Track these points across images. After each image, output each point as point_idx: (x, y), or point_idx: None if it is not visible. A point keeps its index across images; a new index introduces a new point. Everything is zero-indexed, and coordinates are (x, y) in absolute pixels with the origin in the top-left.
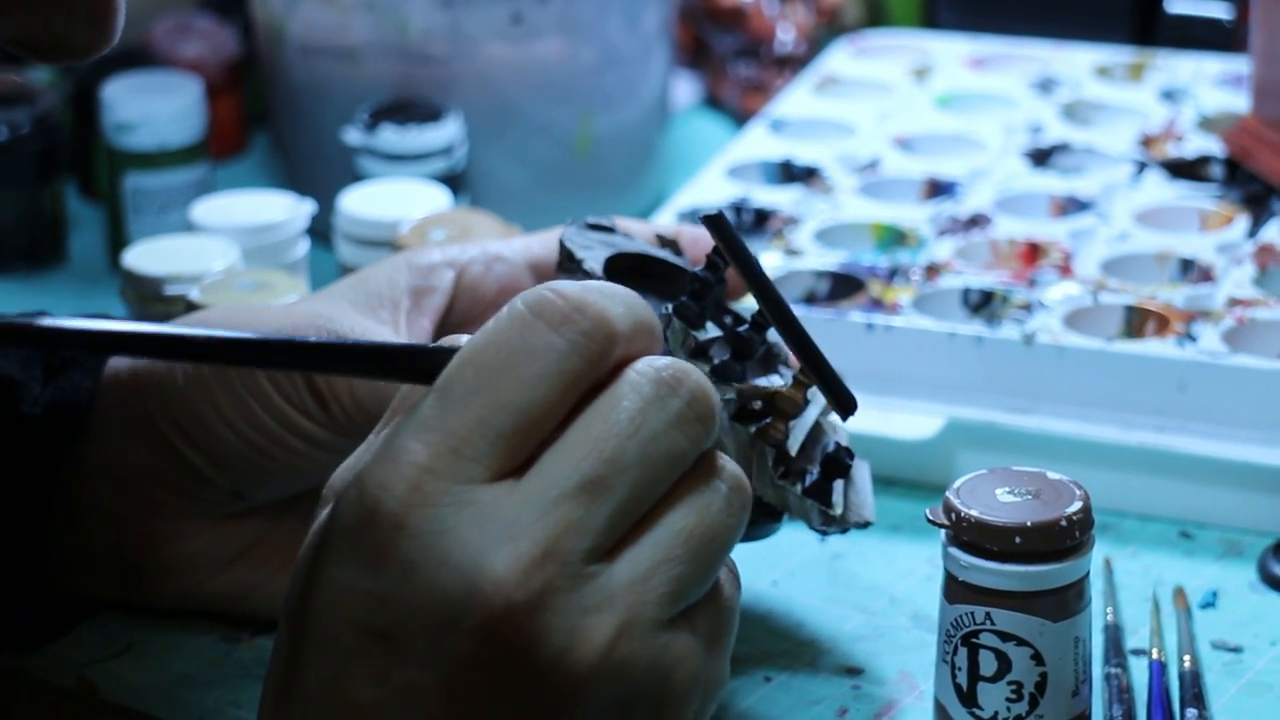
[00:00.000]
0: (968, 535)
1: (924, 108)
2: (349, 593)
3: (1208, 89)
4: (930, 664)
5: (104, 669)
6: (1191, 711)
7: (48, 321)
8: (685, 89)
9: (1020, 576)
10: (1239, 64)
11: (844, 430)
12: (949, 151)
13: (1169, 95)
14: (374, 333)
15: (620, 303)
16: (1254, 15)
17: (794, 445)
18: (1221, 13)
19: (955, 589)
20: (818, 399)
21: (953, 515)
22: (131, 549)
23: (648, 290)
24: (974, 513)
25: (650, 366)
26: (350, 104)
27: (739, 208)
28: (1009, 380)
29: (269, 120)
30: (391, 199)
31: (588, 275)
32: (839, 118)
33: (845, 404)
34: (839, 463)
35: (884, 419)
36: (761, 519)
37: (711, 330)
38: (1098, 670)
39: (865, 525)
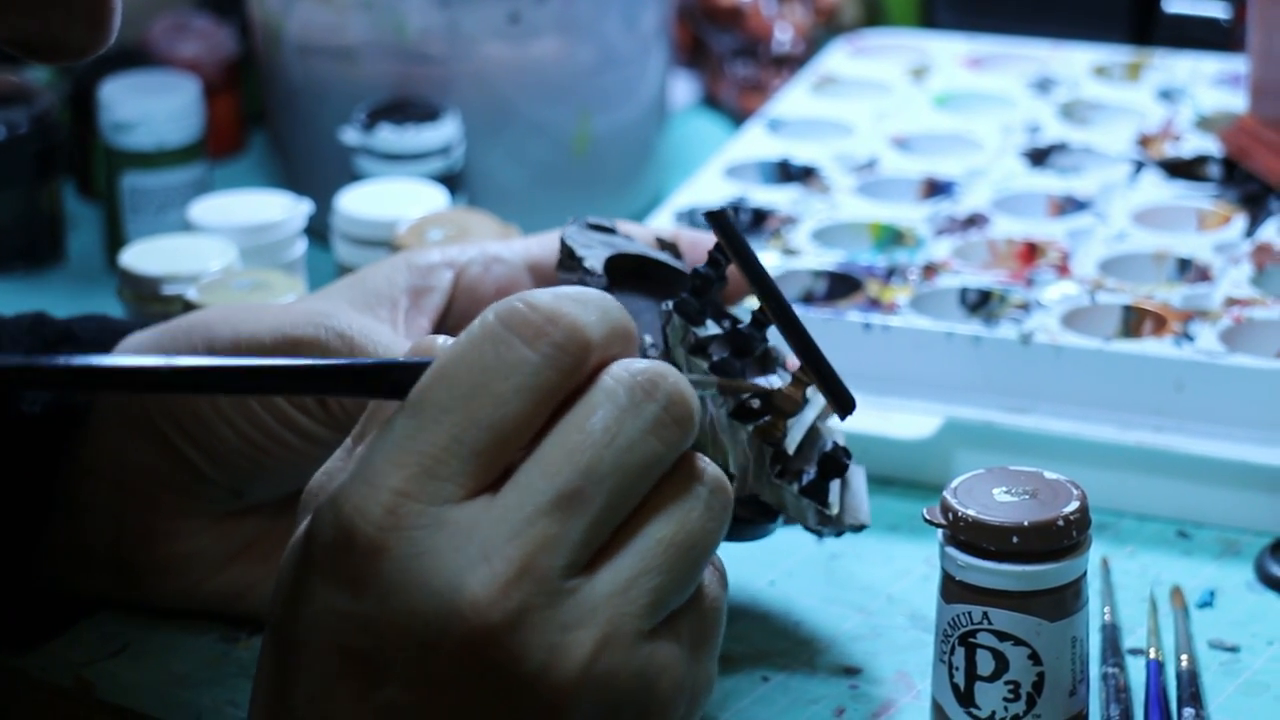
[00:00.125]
0: (965, 535)
1: (922, 107)
2: (330, 613)
3: (1205, 88)
4: (927, 664)
5: (101, 668)
6: (1189, 711)
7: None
8: (683, 89)
9: (1017, 576)
10: (1236, 63)
11: (841, 434)
12: (947, 151)
13: (1166, 95)
14: (372, 329)
15: (594, 309)
16: (1251, 15)
17: (791, 444)
18: (1219, 12)
19: (952, 589)
20: (815, 402)
21: (950, 515)
22: (130, 548)
23: (646, 292)
24: (971, 512)
25: (625, 372)
26: (348, 104)
27: (737, 207)
28: (1006, 380)
29: (266, 120)
30: (389, 199)
31: (588, 273)
32: (837, 117)
33: (844, 403)
34: (837, 462)
35: (881, 418)
36: (757, 519)
37: (711, 328)
38: (1095, 670)
39: (860, 528)
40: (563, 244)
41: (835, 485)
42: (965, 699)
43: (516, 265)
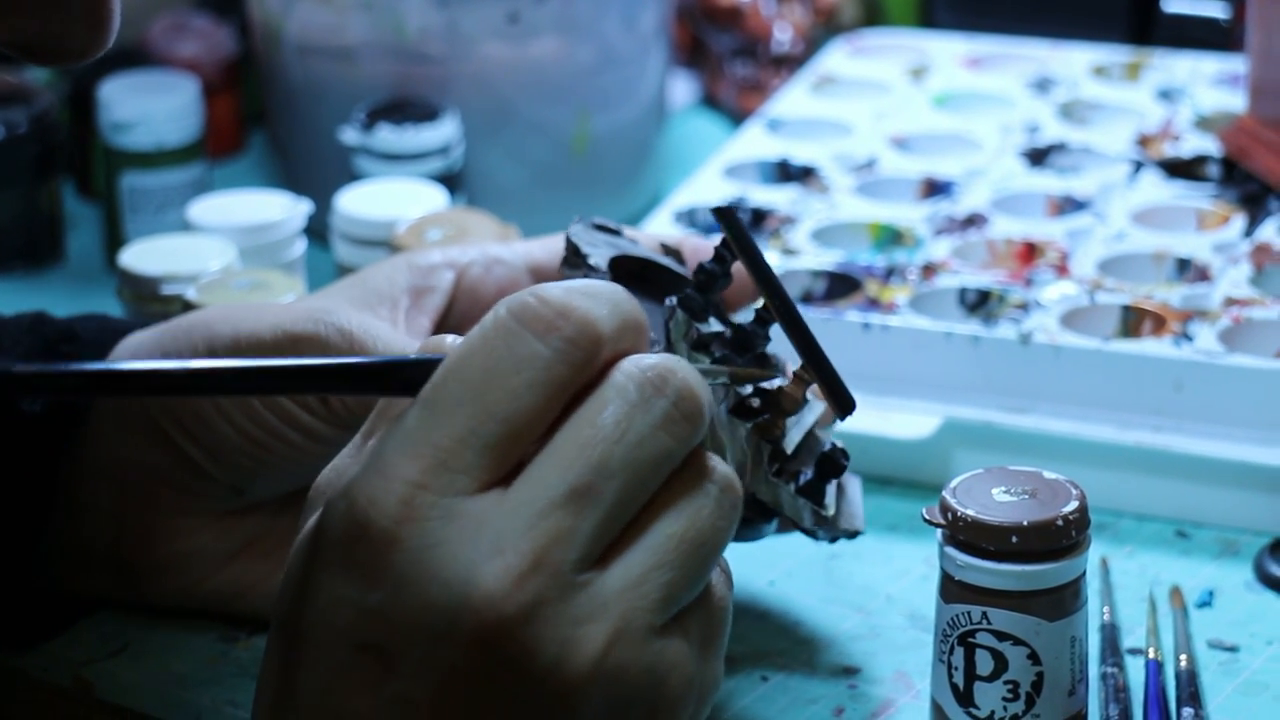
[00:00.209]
0: (964, 535)
1: (921, 107)
2: (341, 605)
3: (1204, 88)
4: (927, 663)
5: (101, 668)
6: (1188, 711)
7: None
8: (682, 88)
9: (1016, 576)
10: (1236, 63)
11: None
12: (946, 151)
13: (1166, 95)
14: (371, 325)
15: (605, 303)
16: (1251, 14)
17: (790, 445)
18: (1218, 12)
19: (951, 588)
20: (814, 407)
21: (949, 515)
22: (130, 547)
23: (648, 296)
24: (970, 512)
25: (635, 367)
26: (347, 103)
27: (736, 207)
28: (1005, 380)
29: (266, 120)
30: (388, 198)
31: (592, 270)
32: (836, 117)
33: (844, 404)
34: (834, 463)
35: (880, 418)
36: (753, 519)
37: (715, 325)
38: (1094, 670)
39: (854, 535)
40: (568, 241)
41: (831, 489)
42: (964, 699)
43: (518, 267)
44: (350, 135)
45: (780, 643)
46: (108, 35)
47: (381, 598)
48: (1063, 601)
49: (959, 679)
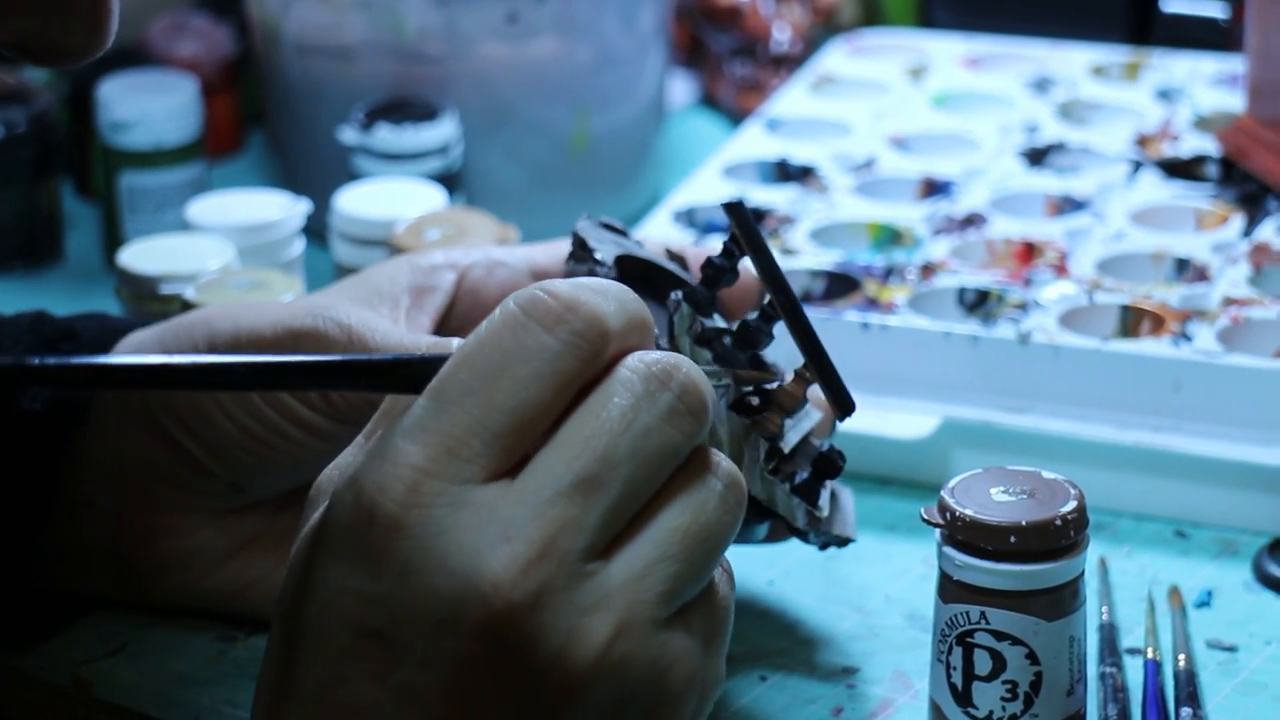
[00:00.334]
0: (962, 534)
1: (920, 107)
2: (345, 594)
3: (1203, 88)
4: (925, 663)
5: (100, 668)
6: (1186, 710)
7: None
8: (681, 88)
9: (1015, 576)
10: (1234, 63)
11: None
12: (944, 151)
13: (1164, 95)
14: (370, 320)
15: (612, 299)
16: (1249, 14)
17: (788, 443)
18: (1217, 12)
19: (950, 588)
20: (812, 414)
21: (947, 514)
22: (129, 545)
23: (651, 299)
24: (969, 512)
25: (641, 362)
26: (346, 103)
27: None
28: (1004, 380)
29: (265, 119)
30: (387, 198)
31: (598, 264)
32: (835, 117)
33: (844, 404)
34: (831, 463)
35: (879, 418)
36: (749, 518)
37: (718, 321)
38: (1093, 669)
39: (846, 542)
40: (575, 235)
41: (827, 489)
42: (963, 698)
43: (520, 270)
44: (349, 135)
45: (779, 642)
46: (107, 35)
47: (387, 585)
48: (1061, 601)
49: (957, 679)
